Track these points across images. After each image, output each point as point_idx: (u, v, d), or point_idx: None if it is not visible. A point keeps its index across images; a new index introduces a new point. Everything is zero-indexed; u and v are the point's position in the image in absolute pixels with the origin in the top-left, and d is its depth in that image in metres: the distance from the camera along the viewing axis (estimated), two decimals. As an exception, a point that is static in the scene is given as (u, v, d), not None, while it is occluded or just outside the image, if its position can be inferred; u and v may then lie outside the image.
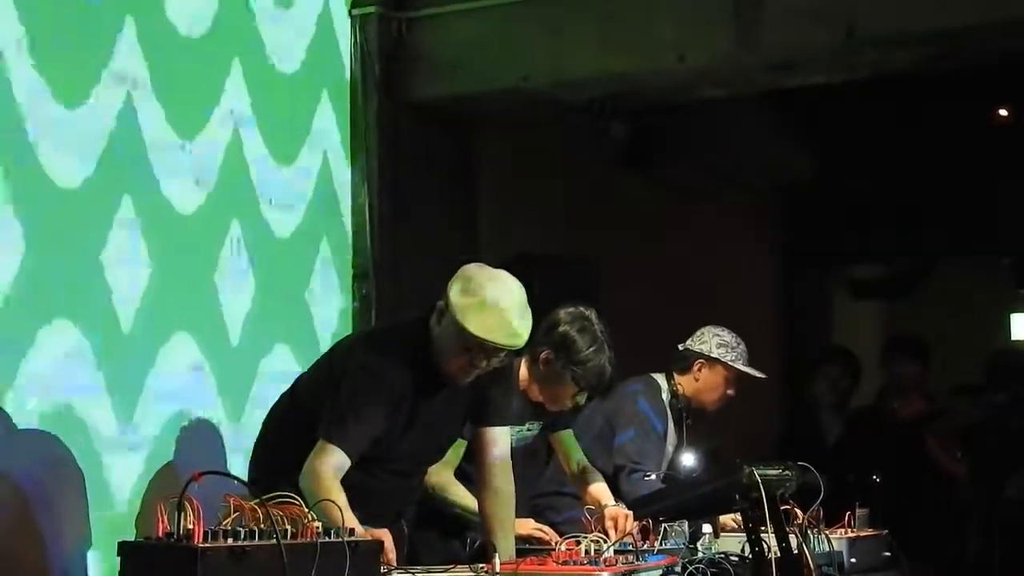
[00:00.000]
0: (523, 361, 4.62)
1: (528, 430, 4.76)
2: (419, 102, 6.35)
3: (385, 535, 3.61)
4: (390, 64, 6.24)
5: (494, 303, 3.91)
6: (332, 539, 3.15)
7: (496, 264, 4.09)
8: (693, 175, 8.54)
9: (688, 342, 5.39)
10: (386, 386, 3.95)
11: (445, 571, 3.73)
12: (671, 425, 5.34)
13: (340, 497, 3.68)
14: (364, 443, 3.91)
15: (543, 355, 4.61)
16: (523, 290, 4.00)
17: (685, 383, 5.37)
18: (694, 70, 5.98)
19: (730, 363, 5.32)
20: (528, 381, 4.68)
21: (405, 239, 6.23)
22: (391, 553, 3.62)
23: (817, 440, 7.10)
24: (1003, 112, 8.87)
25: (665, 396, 5.35)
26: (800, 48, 5.82)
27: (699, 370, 5.35)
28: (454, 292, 3.93)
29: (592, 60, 6.07)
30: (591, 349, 4.59)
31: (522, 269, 4.09)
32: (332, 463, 3.83)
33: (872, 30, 5.60)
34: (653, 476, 5.06)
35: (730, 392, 5.39)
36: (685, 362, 5.37)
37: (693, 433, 5.43)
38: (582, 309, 4.68)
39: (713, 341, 5.34)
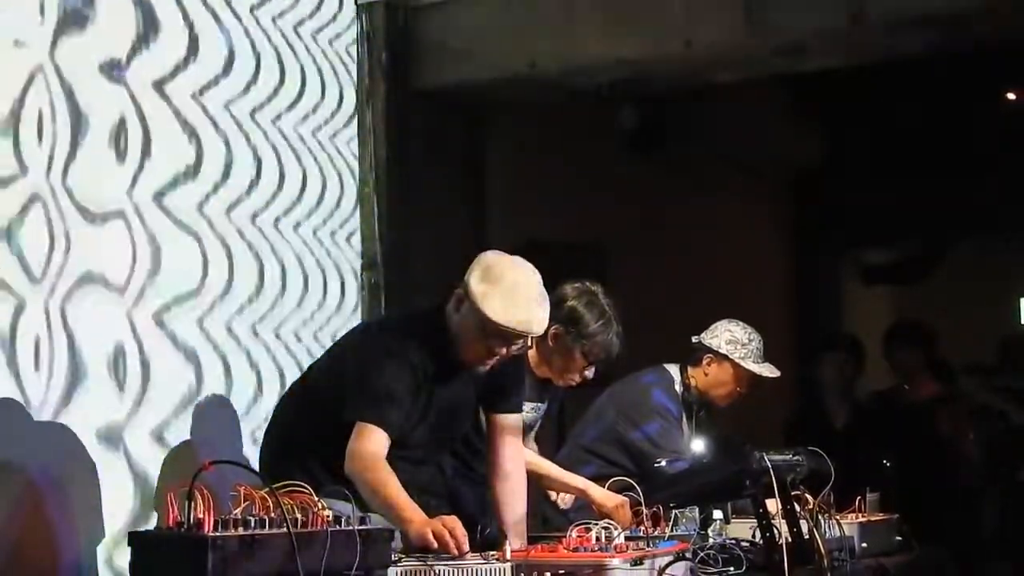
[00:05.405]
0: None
1: (534, 410, 4.76)
2: (426, 90, 6.34)
3: (454, 521, 3.61)
4: (397, 52, 6.23)
5: (514, 290, 3.90)
6: (342, 527, 3.15)
7: (504, 251, 4.08)
8: (702, 161, 8.53)
9: (702, 335, 5.28)
10: (408, 369, 3.93)
11: (456, 558, 3.72)
12: (684, 417, 5.31)
13: (391, 478, 3.72)
14: (400, 420, 3.89)
15: (552, 330, 4.58)
16: (540, 277, 3.99)
17: (697, 376, 5.29)
18: (702, 55, 5.95)
19: (737, 361, 5.21)
20: (537, 359, 4.68)
21: (413, 227, 6.22)
22: (463, 539, 3.60)
23: (825, 425, 7.08)
24: (1011, 95, 8.85)
25: (678, 388, 5.29)
26: (808, 32, 5.80)
27: (709, 365, 5.26)
28: (474, 279, 3.91)
29: (599, 46, 6.05)
30: (599, 323, 4.60)
31: (531, 256, 4.07)
32: (374, 443, 3.81)
33: (881, 13, 5.58)
34: (688, 463, 5.00)
35: (740, 389, 5.29)
36: (697, 355, 5.30)
37: (703, 421, 5.39)
38: (588, 284, 4.68)
39: (723, 337, 5.23)
